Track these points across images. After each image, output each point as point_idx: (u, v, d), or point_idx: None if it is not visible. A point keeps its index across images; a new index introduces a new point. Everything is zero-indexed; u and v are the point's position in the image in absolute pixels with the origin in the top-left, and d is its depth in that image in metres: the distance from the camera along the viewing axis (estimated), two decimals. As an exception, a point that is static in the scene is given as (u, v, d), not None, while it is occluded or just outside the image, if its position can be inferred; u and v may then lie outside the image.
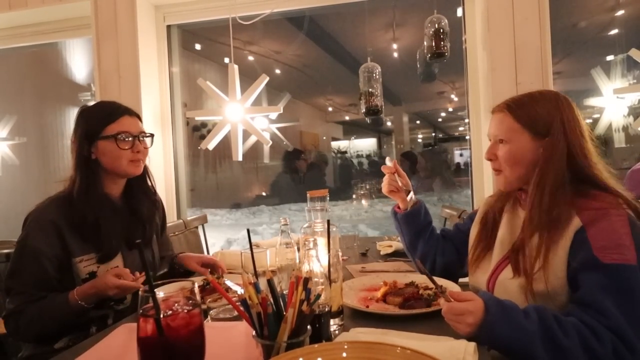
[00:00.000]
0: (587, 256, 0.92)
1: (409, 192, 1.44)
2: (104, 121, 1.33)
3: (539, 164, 1.04)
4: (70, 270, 1.27)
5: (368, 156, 10.37)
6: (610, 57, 3.20)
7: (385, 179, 1.45)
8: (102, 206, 1.32)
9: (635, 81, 2.86)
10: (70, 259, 1.27)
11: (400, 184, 1.43)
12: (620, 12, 3.72)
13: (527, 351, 0.83)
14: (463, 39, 2.44)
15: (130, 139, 1.34)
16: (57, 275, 1.26)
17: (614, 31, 3.79)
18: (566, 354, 0.83)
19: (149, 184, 1.50)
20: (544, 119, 1.05)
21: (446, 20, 2.19)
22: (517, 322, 0.85)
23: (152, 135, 1.43)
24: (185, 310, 0.66)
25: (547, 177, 1.02)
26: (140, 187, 1.45)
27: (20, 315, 1.21)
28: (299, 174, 6.64)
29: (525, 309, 0.88)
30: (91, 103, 1.45)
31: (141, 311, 0.64)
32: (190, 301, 0.67)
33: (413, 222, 1.42)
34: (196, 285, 0.70)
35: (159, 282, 0.71)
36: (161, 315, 0.63)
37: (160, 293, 0.67)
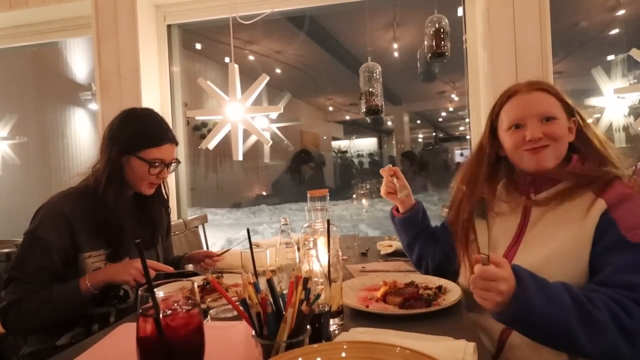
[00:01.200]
0: (615, 236, 0.91)
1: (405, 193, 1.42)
2: (147, 142, 1.33)
3: (577, 144, 1.07)
4: (76, 265, 1.28)
5: (370, 154, 10.38)
6: (610, 57, 3.19)
7: (384, 181, 1.44)
8: (123, 206, 1.34)
9: (635, 81, 2.86)
10: (77, 254, 1.28)
11: (397, 186, 1.42)
12: (621, 12, 3.72)
13: (562, 323, 0.79)
14: (464, 38, 2.44)
15: (161, 166, 1.36)
16: (62, 268, 1.26)
17: (615, 31, 3.79)
18: (599, 326, 0.80)
19: (164, 192, 1.52)
20: (566, 99, 1.09)
21: (447, 20, 2.19)
22: (551, 293, 0.81)
23: (178, 162, 1.45)
24: (185, 310, 0.66)
25: (587, 156, 1.05)
26: (155, 193, 1.47)
27: (23, 304, 1.19)
28: (303, 176, 6.66)
29: (553, 283, 0.85)
30: (139, 107, 1.47)
31: (141, 311, 0.64)
32: (190, 301, 0.67)
33: (411, 226, 1.41)
34: (196, 284, 0.70)
35: (159, 281, 0.71)
36: (161, 315, 0.63)
37: (160, 293, 0.68)
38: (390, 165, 1.44)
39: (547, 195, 1.07)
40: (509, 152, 1.12)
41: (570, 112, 1.08)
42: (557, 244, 0.98)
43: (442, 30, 2.17)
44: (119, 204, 1.32)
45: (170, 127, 1.44)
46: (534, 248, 1.03)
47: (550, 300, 0.80)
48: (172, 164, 1.41)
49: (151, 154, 1.33)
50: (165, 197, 1.53)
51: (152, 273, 1.26)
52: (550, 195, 1.06)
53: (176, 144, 1.42)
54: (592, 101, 2.85)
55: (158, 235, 1.51)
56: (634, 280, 0.85)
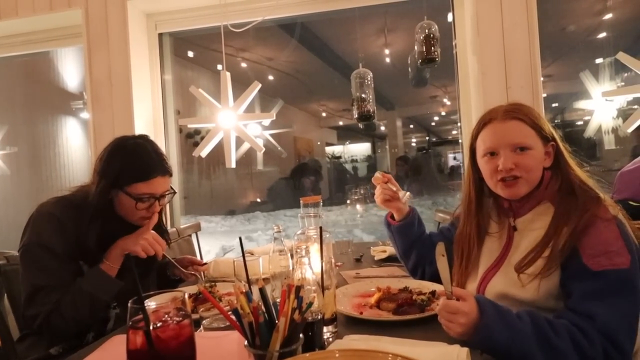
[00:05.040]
0: (578, 265, 0.93)
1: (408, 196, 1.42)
2: (134, 177, 1.27)
3: (556, 170, 1.07)
4: (79, 265, 1.28)
5: (369, 157, 10.41)
6: (599, 60, 3.24)
7: (378, 189, 1.41)
8: (104, 238, 1.30)
9: (623, 84, 2.90)
10: (76, 258, 1.28)
11: (396, 190, 1.41)
12: (608, 16, 3.78)
13: (523, 352, 0.84)
14: (453, 43, 2.46)
15: (151, 200, 1.30)
16: (73, 266, 1.27)
17: (602, 34, 3.85)
18: (560, 354, 0.84)
19: (163, 221, 1.48)
20: (543, 124, 1.08)
21: (436, 26, 2.21)
22: (512, 324, 0.86)
23: (174, 193, 1.39)
24: (176, 322, 0.65)
25: (570, 180, 1.05)
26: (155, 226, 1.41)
27: (60, 307, 1.19)
28: (303, 185, 6.67)
29: (517, 312, 0.90)
30: (129, 137, 1.37)
31: (131, 323, 0.63)
32: (181, 312, 0.67)
33: (407, 234, 1.40)
34: (186, 295, 0.69)
35: (151, 292, 0.71)
36: (151, 327, 0.62)
37: (150, 304, 0.67)
38: (384, 173, 1.44)
39: (526, 219, 1.09)
40: (485, 179, 1.13)
41: (545, 138, 1.08)
42: (532, 269, 0.99)
43: (432, 36, 2.19)
44: (99, 239, 1.28)
45: (164, 155, 1.37)
46: (511, 271, 1.04)
47: (511, 332, 0.85)
48: (166, 196, 1.35)
49: (139, 189, 1.27)
50: (164, 226, 1.48)
51: (160, 251, 1.30)
52: (528, 220, 1.08)
53: (169, 175, 1.35)
54: (581, 104, 2.89)
55: (154, 266, 1.46)
56: (594, 309, 0.89)
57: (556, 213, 1.02)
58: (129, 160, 1.29)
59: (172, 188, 1.38)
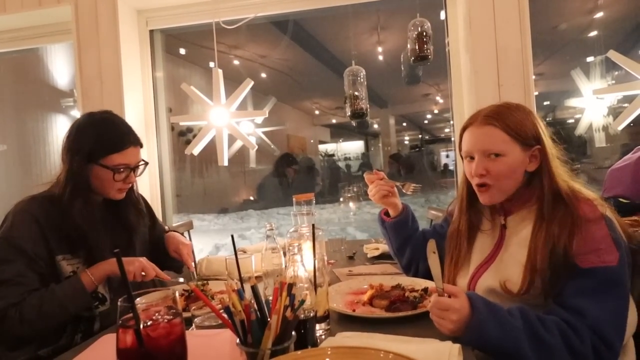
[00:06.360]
0: (568, 263, 0.94)
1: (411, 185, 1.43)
2: (108, 149, 1.29)
3: (541, 173, 1.05)
4: (54, 266, 1.26)
5: (362, 155, 10.43)
6: (590, 59, 3.27)
7: (374, 187, 1.41)
8: (91, 216, 1.31)
9: (614, 82, 2.93)
10: (53, 256, 1.26)
11: (399, 185, 1.41)
12: (599, 14, 3.82)
13: (514, 349, 0.85)
14: (446, 41, 2.46)
15: (127, 170, 1.33)
16: (44, 269, 1.24)
17: (593, 33, 3.89)
18: (550, 350, 0.85)
19: (135, 192, 1.49)
20: (528, 128, 1.06)
21: (429, 24, 2.21)
22: (503, 320, 0.87)
23: (146, 164, 1.41)
24: (166, 320, 0.64)
25: (554, 185, 1.04)
26: (126, 197, 1.43)
27: (23, 305, 1.15)
28: (289, 179, 6.65)
29: (508, 309, 0.90)
30: (94, 110, 1.40)
31: (120, 322, 0.63)
32: (172, 310, 0.66)
33: (401, 231, 1.41)
34: (177, 293, 0.69)
35: (140, 291, 0.70)
36: (141, 326, 0.61)
37: (141, 302, 0.66)
38: (377, 170, 1.44)
39: (515, 218, 1.10)
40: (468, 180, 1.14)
41: (527, 142, 1.05)
42: (521, 266, 1.00)
43: (424, 33, 2.19)
44: (86, 215, 1.29)
45: (133, 128, 1.39)
46: (503, 268, 1.06)
47: (502, 328, 0.86)
48: (139, 167, 1.38)
49: (114, 160, 1.29)
50: (136, 196, 1.50)
51: (152, 274, 1.30)
52: (518, 220, 1.09)
53: (140, 145, 1.38)
54: (573, 102, 2.91)
55: (135, 240, 1.46)
56: (583, 305, 0.90)
57: (541, 219, 1.02)
58: (100, 133, 1.32)
59: (143, 160, 1.40)
